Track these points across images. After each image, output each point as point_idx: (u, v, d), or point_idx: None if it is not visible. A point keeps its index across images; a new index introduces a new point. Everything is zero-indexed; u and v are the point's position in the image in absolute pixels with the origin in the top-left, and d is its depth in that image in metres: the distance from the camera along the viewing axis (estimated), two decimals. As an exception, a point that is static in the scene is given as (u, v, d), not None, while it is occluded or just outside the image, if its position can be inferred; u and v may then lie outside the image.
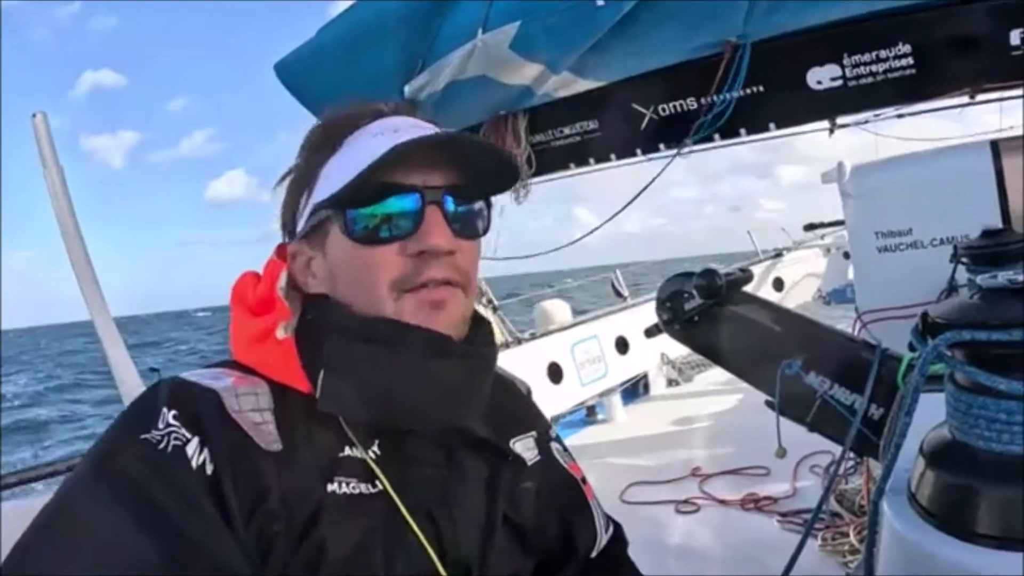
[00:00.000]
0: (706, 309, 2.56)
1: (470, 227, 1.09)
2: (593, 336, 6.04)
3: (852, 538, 2.97)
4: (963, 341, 0.80)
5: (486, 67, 3.62)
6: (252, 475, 0.92)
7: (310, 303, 1.10)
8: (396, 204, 1.03)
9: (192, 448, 0.90)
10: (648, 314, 5.56)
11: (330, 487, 0.97)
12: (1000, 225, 2.14)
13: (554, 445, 1.31)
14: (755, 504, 3.68)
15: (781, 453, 2.39)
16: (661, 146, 4.24)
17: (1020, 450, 0.78)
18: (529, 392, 1.38)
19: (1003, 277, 0.82)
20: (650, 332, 2.93)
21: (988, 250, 1.89)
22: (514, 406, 1.29)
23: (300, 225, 1.11)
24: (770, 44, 3.61)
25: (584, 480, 1.32)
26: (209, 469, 0.89)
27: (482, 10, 3.40)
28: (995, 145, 2.70)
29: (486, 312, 5.87)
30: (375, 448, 1.03)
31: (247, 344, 1.07)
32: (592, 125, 4.39)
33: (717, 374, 4.87)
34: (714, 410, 5.27)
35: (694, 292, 2.57)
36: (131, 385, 3.08)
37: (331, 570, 0.93)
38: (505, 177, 1.13)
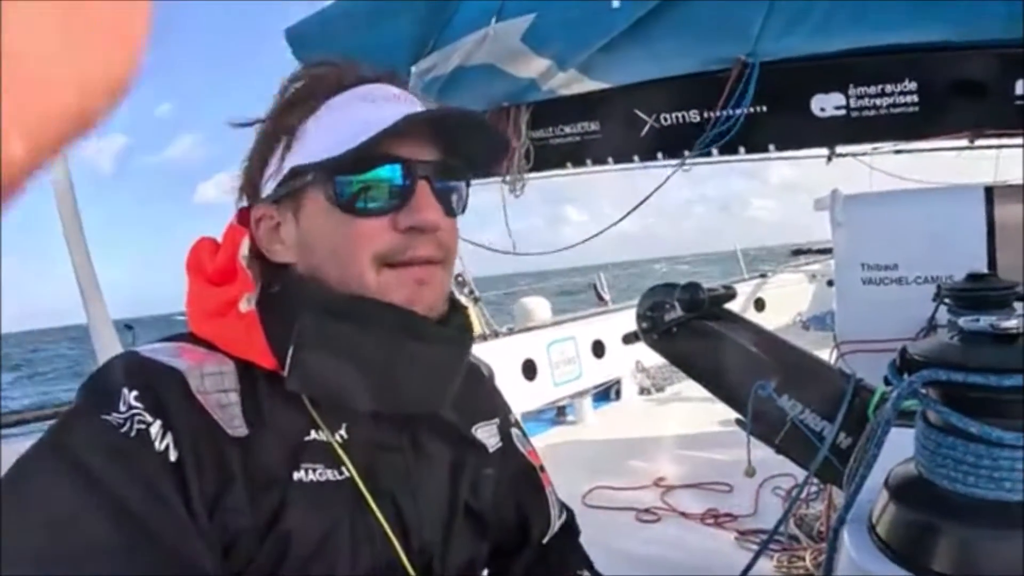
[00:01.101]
0: (686, 322, 2.57)
1: (455, 203, 1.06)
2: (570, 337, 6.05)
3: (808, 562, 2.99)
4: (939, 380, 0.81)
5: (495, 56, 3.63)
6: (217, 464, 0.88)
7: (276, 273, 1.04)
8: (388, 175, 0.98)
9: (155, 432, 0.85)
10: (627, 320, 5.58)
11: (296, 475, 0.93)
12: (986, 270, 2.15)
13: (514, 431, 1.30)
14: (715, 519, 3.70)
15: (751, 472, 2.40)
16: (659, 155, 4.26)
17: (984, 493, 0.78)
18: (491, 375, 1.35)
19: (985, 321, 0.83)
20: (628, 339, 2.93)
21: (972, 293, 1.90)
22: (479, 392, 1.26)
23: (268, 188, 1.04)
24: (778, 66, 3.63)
25: (542, 468, 1.31)
26: (173, 456, 0.85)
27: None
28: (989, 191, 2.72)
29: (468, 303, 5.88)
30: (342, 432, 0.99)
31: (206, 317, 1.01)
32: (593, 127, 4.40)
33: (689, 387, 4.88)
34: (683, 422, 5.29)
35: (676, 304, 2.57)
36: None
37: (296, 562, 0.91)
38: (492, 155, 1.12)
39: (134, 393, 0.87)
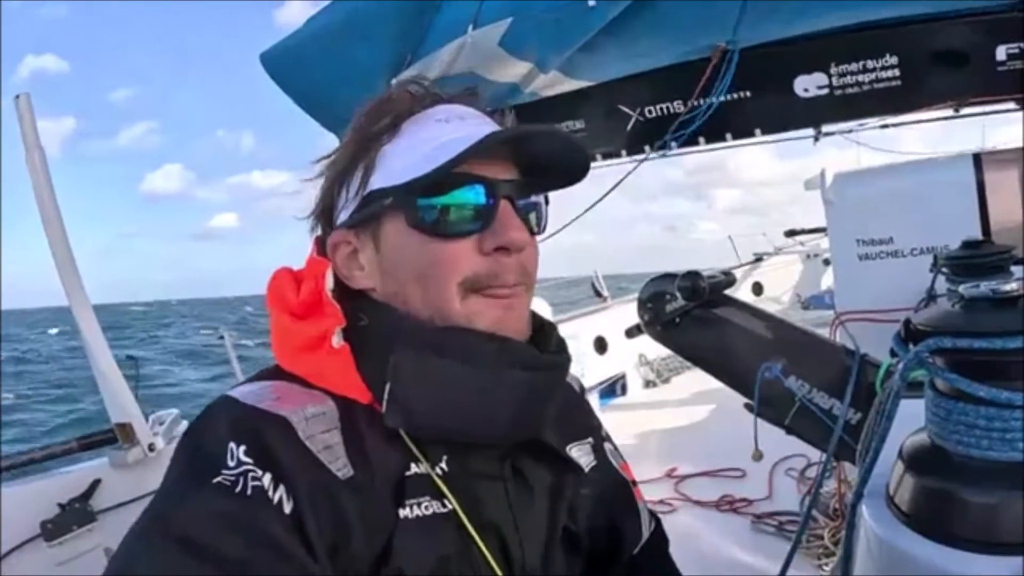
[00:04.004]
0: (688, 311, 2.58)
1: (536, 221, 1.06)
2: (572, 336, 6.05)
3: (826, 540, 3.00)
4: (944, 348, 0.82)
5: (474, 64, 3.62)
6: (333, 510, 0.86)
7: (359, 302, 1.03)
8: (470, 196, 0.97)
9: (267, 485, 0.84)
10: (627, 314, 5.56)
11: (402, 512, 0.91)
12: (980, 237, 2.17)
13: (607, 446, 1.27)
14: (730, 505, 3.71)
15: (758, 456, 2.41)
16: (646, 148, 4.27)
17: (998, 455, 0.79)
18: (583, 389, 1.34)
19: (985, 287, 0.84)
20: (631, 333, 2.94)
21: (968, 261, 1.92)
22: (573, 410, 1.24)
23: (344, 214, 1.04)
24: (759, 50, 3.65)
25: (635, 482, 1.29)
26: (288, 507, 0.83)
27: (474, 6, 3.40)
28: (977, 158, 2.74)
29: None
30: (443, 464, 0.97)
31: (296, 352, 1.00)
32: (578, 125, 4.41)
33: (695, 376, 4.90)
34: (691, 412, 5.30)
35: (676, 294, 2.58)
36: (107, 370, 3.08)
37: None
38: (576, 170, 1.08)
39: (243, 447, 0.85)
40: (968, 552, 0.78)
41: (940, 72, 3.46)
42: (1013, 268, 1.90)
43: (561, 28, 3.37)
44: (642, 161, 4.27)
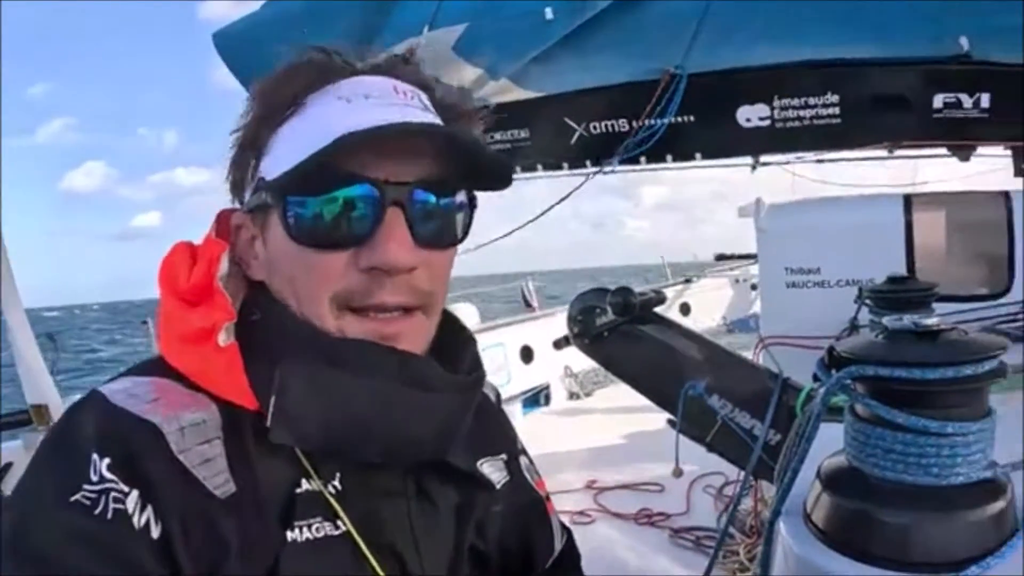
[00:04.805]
0: (617, 326, 2.62)
1: (443, 233, 0.88)
2: (499, 344, 6.06)
3: (742, 556, 3.06)
4: (867, 375, 0.86)
5: (426, 65, 3.62)
6: (207, 532, 0.76)
7: (255, 298, 0.89)
8: (350, 199, 0.80)
9: (132, 506, 0.74)
10: (555, 325, 5.58)
11: (290, 535, 0.80)
12: (905, 273, 2.26)
13: (522, 460, 1.16)
14: (648, 519, 3.76)
15: (678, 473, 2.46)
16: (588, 163, 4.32)
17: (913, 479, 0.84)
18: (498, 397, 1.21)
19: (908, 320, 0.88)
20: (559, 344, 2.99)
21: (892, 295, 2.00)
22: (486, 423, 1.08)
23: (247, 195, 0.90)
24: (706, 78, 3.72)
25: (547, 496, 1.19)
26: (156, 531, 0.74)
27: (431, 7, 3.40)
28: (908, 199, 2.85)
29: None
30: (336, 483, 0.85)
31: (181, 344, 0.86)
32: (523, 134, 4.43)
33: (618, 390, 4.94)
34: (613, 425, 5.34)
35: (607, 308, 2.62)
36: (25, 349, 3.02)
37: None
38: (496, 175, 0.91)
39: (106, 461, 0.75)
40: (882, 570, 0.82)
41: (879, 114, 3.58)
42: (935, 304, 1.98)
43: (517, 38, 3.40)
44: (590, 177, 4.32)
